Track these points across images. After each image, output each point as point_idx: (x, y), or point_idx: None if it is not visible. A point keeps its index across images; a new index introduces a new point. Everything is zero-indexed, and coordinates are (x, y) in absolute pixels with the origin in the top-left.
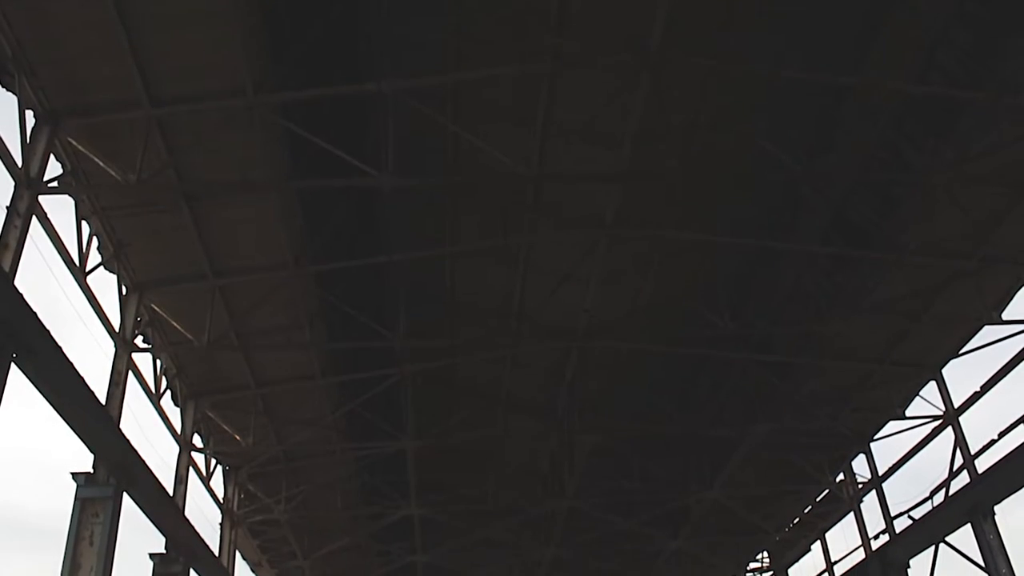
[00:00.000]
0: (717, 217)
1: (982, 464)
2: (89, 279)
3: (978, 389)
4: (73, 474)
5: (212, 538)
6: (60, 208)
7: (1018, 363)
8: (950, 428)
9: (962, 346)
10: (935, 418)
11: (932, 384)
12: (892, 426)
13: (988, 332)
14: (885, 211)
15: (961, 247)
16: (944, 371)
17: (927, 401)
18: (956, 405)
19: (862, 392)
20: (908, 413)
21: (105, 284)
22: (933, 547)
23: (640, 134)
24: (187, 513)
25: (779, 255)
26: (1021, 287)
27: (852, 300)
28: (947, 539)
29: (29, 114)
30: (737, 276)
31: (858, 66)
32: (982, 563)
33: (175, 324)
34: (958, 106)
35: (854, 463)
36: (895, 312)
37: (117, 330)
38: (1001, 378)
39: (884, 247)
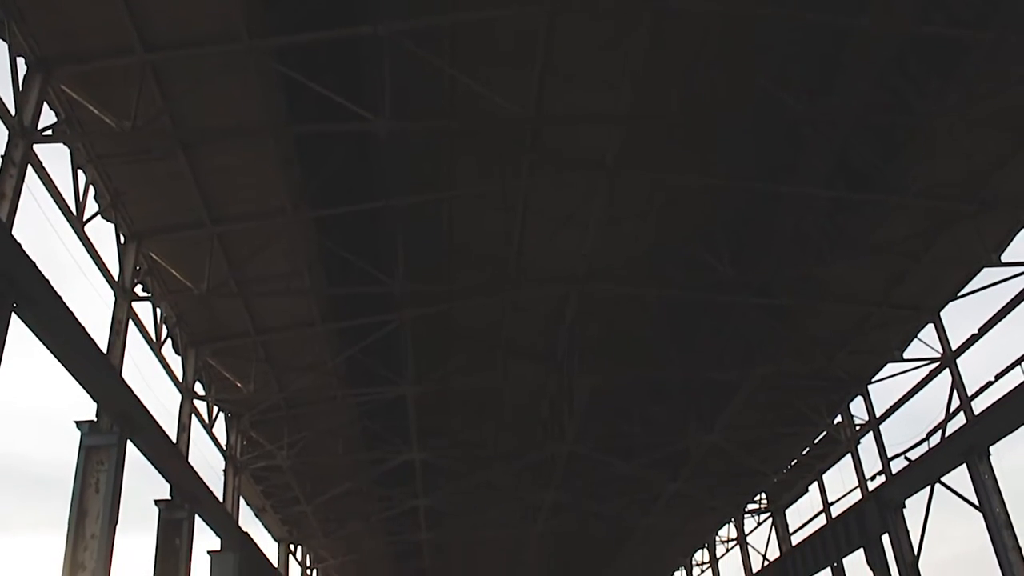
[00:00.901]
0: (717, 160)
1: (978, 405)
2: (87, 228)
3: (976, 331)
4: (77, 423)
5: (216, 485)
6: (56, 157)
7: (1016, 305)
8: (947, 370)
9: (961, 288)
10: (933, 360)
11: (930, 327)
12: (890, 368)
13: (987, 274)
14: (887, 154)
15: (962, 190)
16: (942, 314)
17: (925, 343)
18: (954, 347)
19: (861, 335)
20: (906, 356)
21: (103, 233)
22: (929, 487)
23: (640, 76)
24: (191, 460)
25: (780, 198)
26: (1021, 229)
27: (853, 243)
28: (942, 479)
29: (20, 62)
30: (737, 220)
31: (861, 5)
32: (976, 502)
33: (174, 272)
34: (962, 47)
35: (852, 405)
36: (895, 255)
37: (116, 279)
38: (999, 320)
39: (885, 190)
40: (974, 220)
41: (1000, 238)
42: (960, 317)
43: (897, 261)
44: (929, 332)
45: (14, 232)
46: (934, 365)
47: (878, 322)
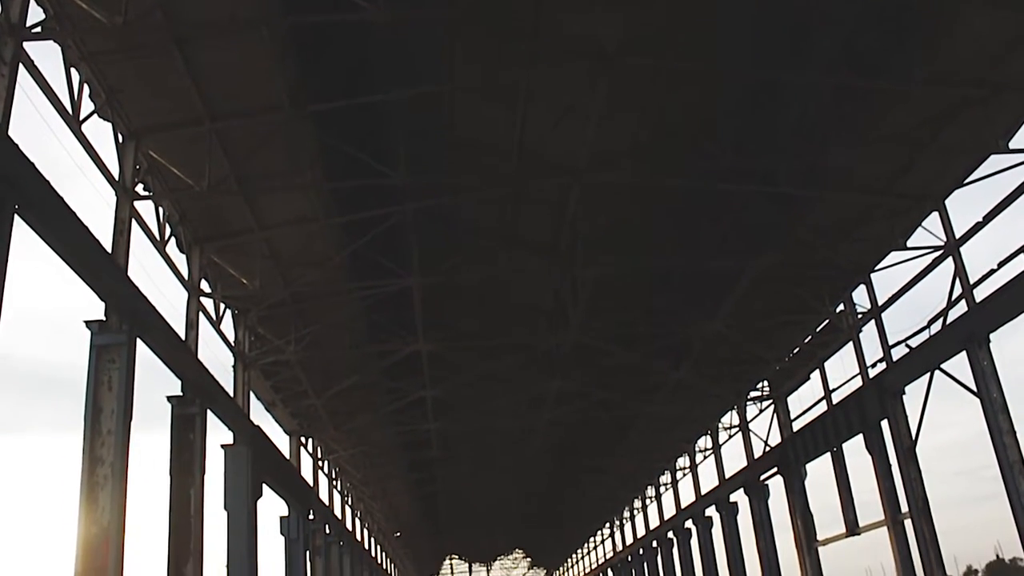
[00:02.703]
0: (720, 48)
1: (980, 294)
2: (84, 128)
3: (980, 219)
4: (87, 322)
5: (226, 381)
6: (48, 57)
7: (1021, 193)
8: (950, 259)
9: (967, 176)
10: (936, 249)
11: (935, 215)
12: (893, 257)
13: (994, 162)
14: (895, 40)
15: (971, 75)
16: (947, 202)
17: (929, 232)
18: (957, 236)
19: (864, 223)
20: (909, 244)
21: (101, 134)
22: (928, 374)
23: None
24: (200, 357)
25: (784, 86)
26: None
27: (858, 131)
28: (942, 366)
29: None
30: (741, 108)
31: None
32: (975, 389)
33: (174, 170)
34: None
35: (854, 294)
36: (901, 143)
37: (117, 179)
38: (1004, 208)
39: (893, 77)
40: (983, 106)
41: (1009, 124)
42: (965, 205)
43: (903, 149)
44: (933, 220)
45: (10, 134)
46: (937, 253)
47: (882, 211)
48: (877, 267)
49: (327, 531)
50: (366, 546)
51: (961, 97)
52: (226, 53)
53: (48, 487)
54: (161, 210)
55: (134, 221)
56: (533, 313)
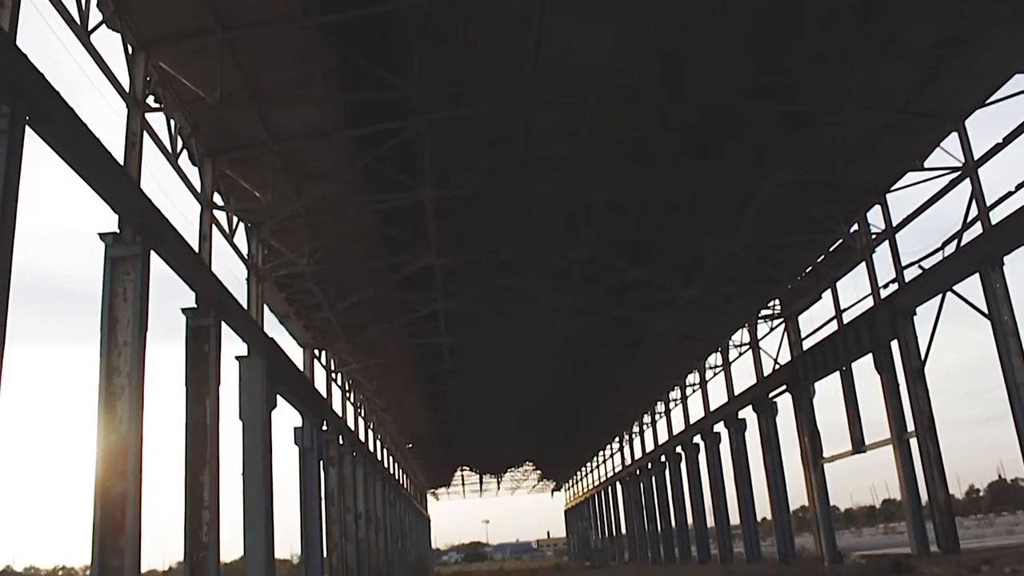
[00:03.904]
0: None
1: (996, 216)
2: (93, 39)
3: (1000, 141)
4: (101, 234)
5: (240, 294)
6: None
7: None
8: (968, 180)
9: (988, 96)
10: (954, 170)
11: (954, 135)
12: (909, 178)
13: (1017, 82)
14: None
15: None
16: (967, 122)
17: (947, 152)
18: (976, 157)
19: (882, 142)
20: (926, 165)
21: (110, 45)
22: (940, 296)
23: None
24: (214, 270)
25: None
26: None
27: (878, 48)
28: (954, 288)
29: None
30: (759, 23)
31: None
32: (986, 311)
33: (186, 82)
34: None
35: (868, 214)
36: (922, 61)
37: (127, 91)
38: None
39: None
40: (1007, 23)
41: None
42: (985, 126)
43: (923, 67)
44: (952, 141)
45: (19, 44)
46: (955, 174)
47: (901, 129)
48: (893, 187)
49: (340, 442)
50: (379, 457)
51: (985, 12)
52: None
53: (67, 398)
54: (173, 123)
55: (146, 134)
56: (546, 228)
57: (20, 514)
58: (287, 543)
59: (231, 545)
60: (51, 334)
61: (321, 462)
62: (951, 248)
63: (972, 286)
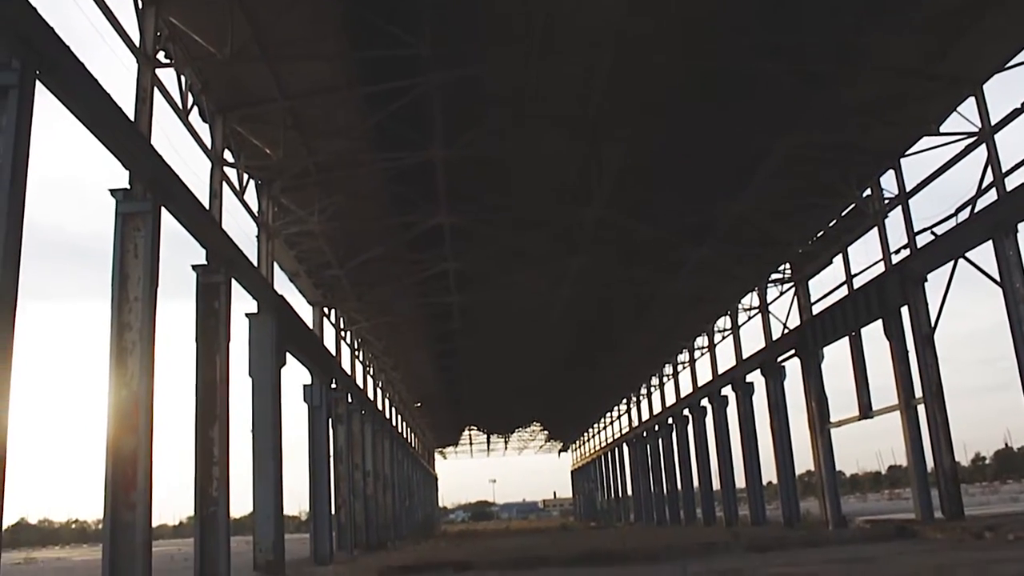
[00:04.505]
0: None
1: (1011, 183)
2: None
3: (1018, 106)
4: (111, 190)
5: (250, 251)
6: None
7: None
8: (984, 145)
9: (1008, 60)
10: (970, 135)
11: (971, 100)
12: (924, 143)
13: None
14: None
15: None
16: (985, 87)
17: (963, 117)
18: (993, 122)
19: (897, 106)
20: (942, 129)
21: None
22: (952, 262)
23: None
24: (224, 227)
25: None
26: None
27: (897, 9)
28: (967, 255)
29: None
30: None
31: None
32: (998, 279)
33: (196, 37)
34: None
35: (882, 179)
36: (941, 23)
37: (138, 45)
38: None
39: None
40: None
41: None
42: (1002, 91)
43: (942, 29)
44: (969, 106)
45: None
46: (971, 140)
47: (917, 93)
48: (907, 152)
49: (349, 400)
50: (387, 415)
51: None
52: None
53: (79, 354)
54: (183, 78)
55: (156, 89)
56: (557, 188)
57: (34, 469)
58: (296, 500)
59: (241, 501)
60: (61, 290)
61: (330, 420)
62: (964, 214)
63: (985, 253)
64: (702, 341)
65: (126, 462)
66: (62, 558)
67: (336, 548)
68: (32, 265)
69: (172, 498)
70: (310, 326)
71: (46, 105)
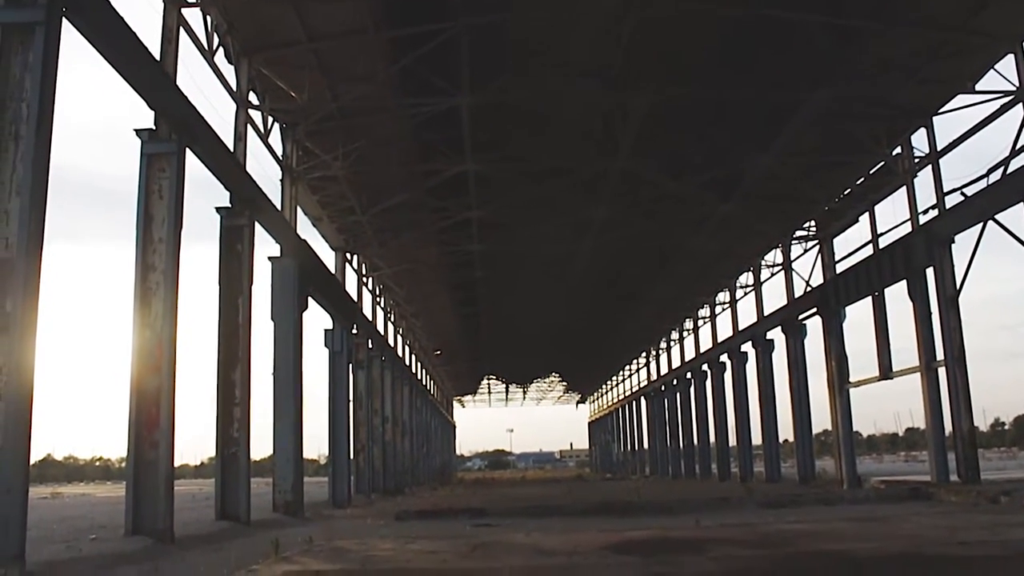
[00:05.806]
0: None
1: None
2: None
3: None
4: (137, 131)
5: (274, 194)
6: None
7: None
8: (1020, 105)
9: None
10: (1007, 94)
11: (1009, 57)
12: (958, 101)
13: None
14: None
15: None
16: None
17: (1000, 75)
18: None
19: (932, 62)
20: (977, 88)
21: None
22: (980, 224)
23: None
24: (248, 170)
25: None
26: None
27: None
28: (996, 217)
29: None
30: None
31: None
32: None
33: None
34: None
35: (913, 137)
36: None
37: None
38: None
39: None
40: None
41: None
42: None
43: None
44: (1007, 63)
45: None
46: (1007, 99)
47: (954, 49)
48: (940, 110)
49: (370, 346)
50: (407, 362)
51: None
52: None
53: (103, 295)
54: (209, 19)
55: (182, 29)
56: (582, 138)
57: (60, 406)
58: (315, 443)
59: (261, 443)
60: (88, 231)
61: (350, 365)
62: (996, 176)
63: (1015, 216)
64: (724, 296)
65: (149, 401)
66: (87, 494)
67: (354, 492)
68: (60, 208)
69: (194, 439)
70: (332, 271)
71: (73, 42)
